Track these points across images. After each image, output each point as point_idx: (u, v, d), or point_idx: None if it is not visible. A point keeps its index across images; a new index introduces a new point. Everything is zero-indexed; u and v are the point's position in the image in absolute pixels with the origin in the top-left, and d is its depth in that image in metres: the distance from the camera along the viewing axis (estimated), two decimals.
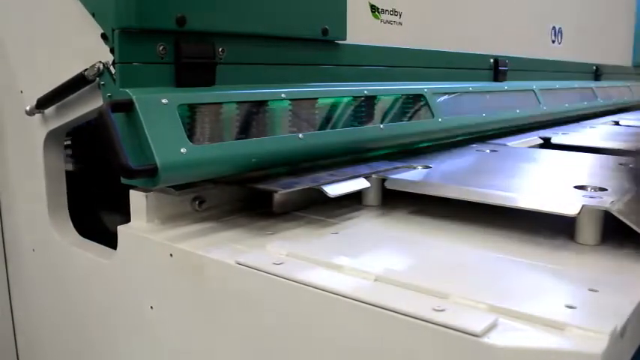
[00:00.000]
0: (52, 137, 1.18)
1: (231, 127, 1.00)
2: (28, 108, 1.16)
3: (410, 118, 1.40)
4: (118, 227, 0.98)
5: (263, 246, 0.87)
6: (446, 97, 1.56)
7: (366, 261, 0.81)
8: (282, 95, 1.09)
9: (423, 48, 1.59)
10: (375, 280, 0.74)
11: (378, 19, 1.45)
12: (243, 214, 1.05)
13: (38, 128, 1.19)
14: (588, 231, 0.90)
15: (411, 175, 1.14)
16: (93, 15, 0.96)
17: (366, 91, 1.29)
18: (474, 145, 1.62)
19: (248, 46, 1.08)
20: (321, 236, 0.94)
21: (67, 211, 1.24)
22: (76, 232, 1.22)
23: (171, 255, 0.89)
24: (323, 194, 0.99)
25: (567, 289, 0.75)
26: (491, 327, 0.61)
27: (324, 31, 1.21)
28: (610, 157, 1.41)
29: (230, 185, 1.05)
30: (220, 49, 1.02)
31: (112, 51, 0.93)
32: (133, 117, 0.88)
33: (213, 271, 0.84)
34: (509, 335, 0.60)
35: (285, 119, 1.09)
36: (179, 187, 1.00)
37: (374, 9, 1.43)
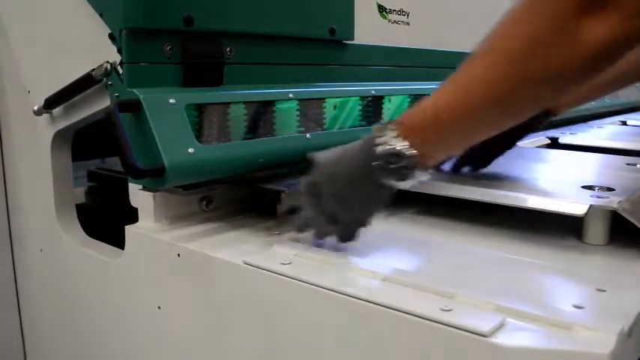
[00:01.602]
0: (59, 137, 1.19)
1: (239, 127, 1.00)
2: (35, 108, 1.16)
3: None
4: (126, 227, 0.99)
5: (270, 246, 0.87)
6: None
7: (373, 261, 0.81)
8: (290, 95, 1.09)
9: (430, 48, 1.59)
10: (383, 280, 0.74)
11: (386, 18, 1.45)
12: (251, 214, 1.05)
13: (46, 128, 1.19)
14: (596, 231, 0.89)
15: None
16: (101, 15, 0.96)
17: (373, 91, 1.29)
18: None
19: (256, 46, 1.08)
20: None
21: (75, 210, 1.25)
22: (83, 232, 1.23)
23: (178, 255, 0.89)
24: None
25: (575, 289, 0.75)
26: (499, 327, 0.61)
27: (332, 31, 1.21)
28: (617, 157, 1.40)
29: (237, 185, 1.05)
30: (228, 49, 1.02)
31: (119, 51, 0.93)
32: (140, 117, 0.88)
33: (220, 271, 0.84)
34: (516, 335, 0.60)
35: (293, 119, 1.09)
36: (186, 187, 1.00)
37: (381, 9, 1.43)
